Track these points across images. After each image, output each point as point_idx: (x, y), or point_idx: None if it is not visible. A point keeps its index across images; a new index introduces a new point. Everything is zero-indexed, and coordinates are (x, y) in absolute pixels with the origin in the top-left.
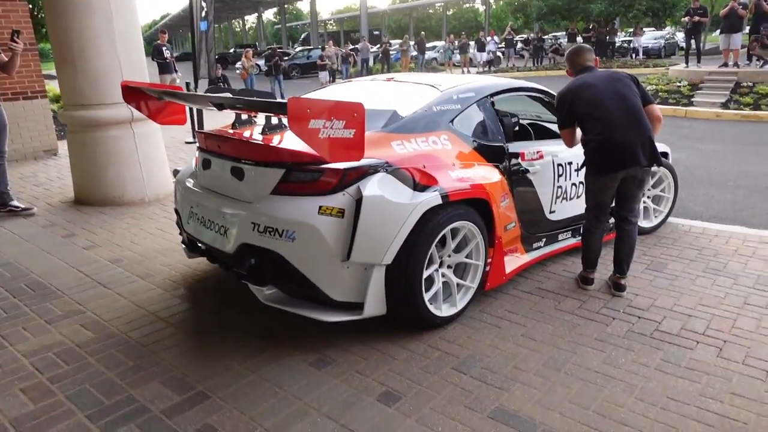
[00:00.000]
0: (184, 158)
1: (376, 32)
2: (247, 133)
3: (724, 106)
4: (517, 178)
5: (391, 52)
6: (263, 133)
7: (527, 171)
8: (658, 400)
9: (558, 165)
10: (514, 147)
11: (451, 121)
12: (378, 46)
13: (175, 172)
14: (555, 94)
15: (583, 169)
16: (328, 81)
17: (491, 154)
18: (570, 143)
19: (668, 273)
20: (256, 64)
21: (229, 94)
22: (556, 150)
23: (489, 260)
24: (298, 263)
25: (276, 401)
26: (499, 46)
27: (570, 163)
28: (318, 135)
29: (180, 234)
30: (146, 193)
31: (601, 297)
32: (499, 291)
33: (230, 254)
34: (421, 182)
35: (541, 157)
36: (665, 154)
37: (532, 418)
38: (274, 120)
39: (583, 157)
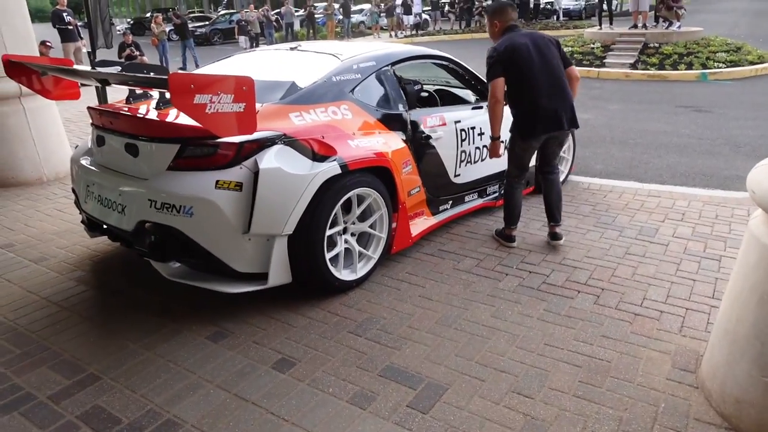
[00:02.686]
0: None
1: None
2: (142, 108)
3: (633, 66)
4: (420, 144)
5: (316, 16)
6: (158, 107)
7: (429, 137)
8: (536, 347)
9: (461, 130)
10: (416, 114)
11: (352, 90)
12: (303, 9)
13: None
14: (457, 61)
15: (487, 134)
16: (249, 47)
17: (392, 122)
18: (499, 94)
19: (562, 229)
20: (168, 30)
21: (114, 69)
22: (460, 116)
23: (394, 225)
24: (198, 238)
25: (169, 377)
26: (426, 8)
27: (473, 128)
28: (205, 110)
29: (80, 213)
30: (44, 172)
31: (497, 255)
32: (402, 254)
33: (130, 232)
34: (319, 153)
35: (444, 123)
36: None
37: (419, 372)
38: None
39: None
